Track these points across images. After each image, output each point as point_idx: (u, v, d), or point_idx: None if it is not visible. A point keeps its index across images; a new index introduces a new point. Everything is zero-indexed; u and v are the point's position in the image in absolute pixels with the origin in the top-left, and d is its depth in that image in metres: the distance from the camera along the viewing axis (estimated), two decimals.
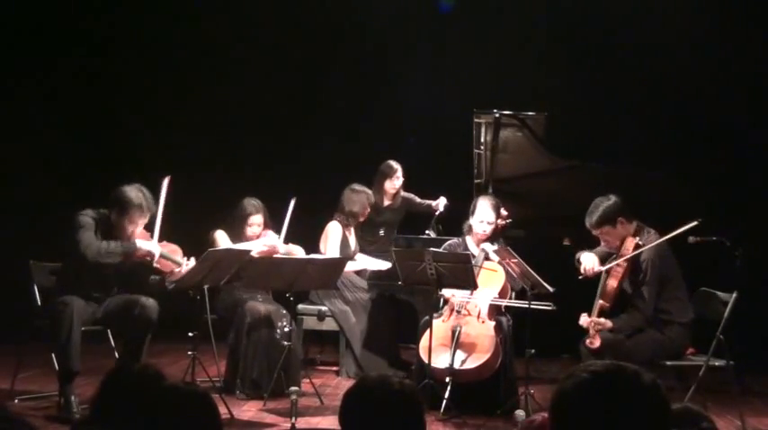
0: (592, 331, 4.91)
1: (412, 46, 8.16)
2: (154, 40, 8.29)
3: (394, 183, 7.08)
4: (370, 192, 6.75)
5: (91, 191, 5.84)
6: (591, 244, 5.38)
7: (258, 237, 6.09)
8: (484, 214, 5.80)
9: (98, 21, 8.26)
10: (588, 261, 5.21)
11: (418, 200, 7.25)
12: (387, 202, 7.14)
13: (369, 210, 6.73)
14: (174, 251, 5.40)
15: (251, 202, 6.10)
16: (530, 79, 7.88)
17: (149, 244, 5.23)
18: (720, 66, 7.69)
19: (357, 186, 6.71)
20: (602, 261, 5.20)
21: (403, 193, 7.18)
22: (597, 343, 4.87)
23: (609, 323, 4.98)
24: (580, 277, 5.20)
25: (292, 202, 5.86)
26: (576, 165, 6.69)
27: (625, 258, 5.01)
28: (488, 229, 5.80)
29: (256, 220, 6.08)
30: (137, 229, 5.30)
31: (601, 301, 5.02)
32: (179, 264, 5.33)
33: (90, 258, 5.10)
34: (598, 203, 5.15)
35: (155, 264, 5.30)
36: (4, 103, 7.86)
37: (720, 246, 5.17)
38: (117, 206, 5.24)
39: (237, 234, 6.04)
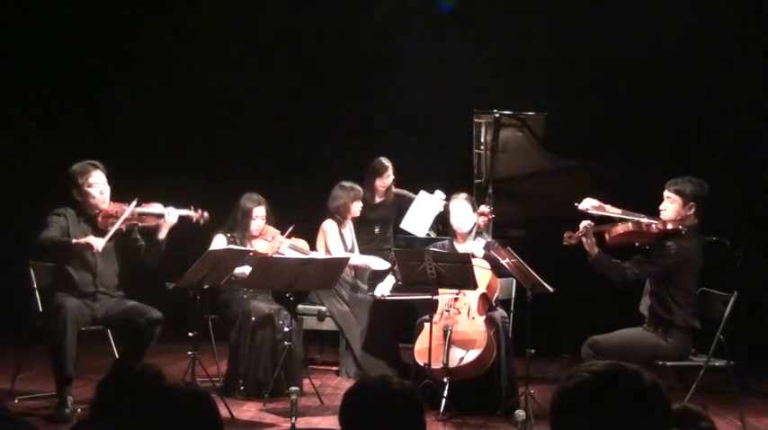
0: (579, 231, 5.06)
1: (412, 46, 8.16)
2: (153, 39, 8.28)
3: (385, 181, 7.07)
4: (358, 187, 6.73)
5: None
6: None
7: (262, 230, 6.09)
8: (457, 208, 5.89)
9: (96, 20, 8.25)
10: (596, 200, 5.32)
11: (411, 195, 7.24)
12: (378, 199, 7.12)
13: (358, 204, 6.71)
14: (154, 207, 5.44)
15: (251, 197, 6.10)
16: (530, 79, 7.87)
17: (89, 238, 5.19)
18: (721, 65, 7.68)
19: (345, 183, 6.71)
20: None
21: (395, 190, 7.17)
22: (573, 241, 5.10)
23: (595, 249, 5.08)
24: (576, 204, 5.31)
25: (290, 229, 5.93)
26: (576, 165, 6.70)
27: (657, 228, 5.01)
28: (465, 222, 5.86)
29: (259, 213, 6.08)
30: (105, 192, 5.32)
31: (606, 230, 5.08)
32: (161, 215, 5.36)
33: (36, 241, 5.18)
34: (691, 179, 5.11)
35: (140, 225, 5.36)
36: (3, 104, 7.86)
37: (720, 246, 5.17)
38: (72, 183, 5.34)
39: (241, 229, 6.05)
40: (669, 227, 5.02)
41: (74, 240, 5.19)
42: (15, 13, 8.04)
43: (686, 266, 5.09)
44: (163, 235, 5.40)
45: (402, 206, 7.20)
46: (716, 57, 7.65)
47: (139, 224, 5.38)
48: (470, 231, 5.93)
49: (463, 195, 6.03)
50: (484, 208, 6.14)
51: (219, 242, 5.94)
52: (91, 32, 8.23)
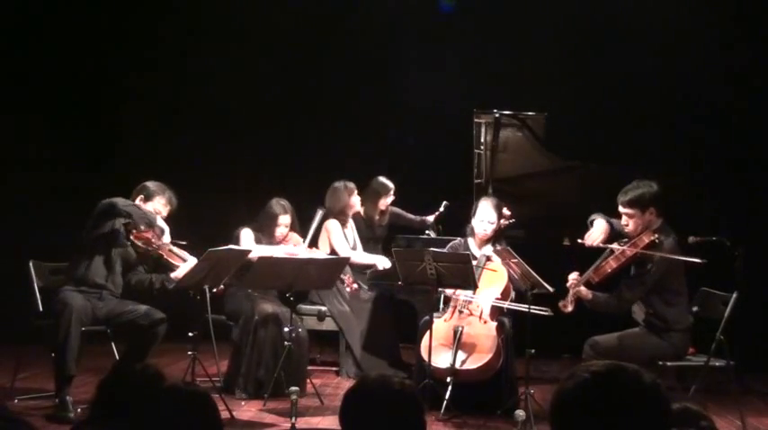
0: (570, 295, 5.08)
1: (412, 46, 8.16)
2: (152, 38, 8.28)
3: (388, 201, 7.09)
4: (350, 183, 6.75)
5: (91, 191, 5.86)
6: None
7: (285, 237, 6.11)
8: (485, 214, 5.80)
9: (96, 20, 8.25)
10: (596, 231, 5.27)
11: (407, 215, 7.26)
12: (377, 217, 7.13)
13: (356, 198, 6.76)
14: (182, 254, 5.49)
15: (279, 203, 6.13)
16: (530, 79, 7.87)
17: (166, 228, 5.35)
18: (721, 66, 7.68)
19: (336, 184, 6.73)
20: (613, 237, 5.23)
21: (391, 208, 7.18)
22: (570, 308, 5.10)
23: (589, 295, 5.12)
24: (579, 241, 5.28)
25: (319, 213, 5.94)
26: (576, 166, 6.70)
27: (635, 250, 5.02)
28: (489, 229, 5.79)
29: (284, 221, 6.11)
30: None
31: (593, 274, 5.10)
32: (184, 260, 5.40)
33: (109, 201, 5.22)
34: (638, 185, 5.12)
35: (164, 257, 5.39)
36: (3, 105, 7.85)
37: (720, 246, 5.17)
38: (144, 193, 5.45)
39: (266, 234, 6.09)
40: (645, 241, 5.04)
41: (159, 219, 5.34)
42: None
43: (671, 270, 5.10)
44: (178, 274, 5.36)
45: (395, 224, 7.21)
46: (718, 56, 7.65)
47: (164, 256, 5.39)
48: (491, 238, 5.84)
49: (493, 201, 5.88)
50: (506, 211, 6.04)
51: (248, 237, 6.03)
52: (91, 32, 8.23)
